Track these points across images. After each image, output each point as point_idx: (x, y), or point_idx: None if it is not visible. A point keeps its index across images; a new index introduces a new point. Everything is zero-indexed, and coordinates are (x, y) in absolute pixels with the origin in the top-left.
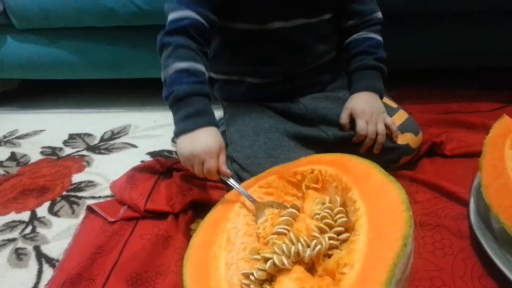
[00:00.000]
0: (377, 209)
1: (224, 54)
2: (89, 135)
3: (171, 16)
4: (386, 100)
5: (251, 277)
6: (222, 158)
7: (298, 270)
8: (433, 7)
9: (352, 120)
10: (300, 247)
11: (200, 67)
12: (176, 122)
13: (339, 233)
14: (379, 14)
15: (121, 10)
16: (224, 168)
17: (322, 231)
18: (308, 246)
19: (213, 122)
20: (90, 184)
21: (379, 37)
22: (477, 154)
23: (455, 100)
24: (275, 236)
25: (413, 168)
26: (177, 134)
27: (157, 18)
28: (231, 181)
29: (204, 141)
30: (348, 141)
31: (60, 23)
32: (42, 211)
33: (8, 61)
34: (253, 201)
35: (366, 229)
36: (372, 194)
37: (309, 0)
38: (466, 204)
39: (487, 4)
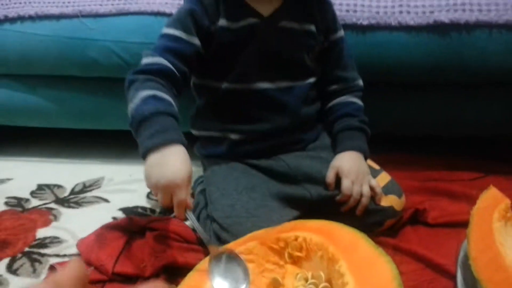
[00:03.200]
0: (367, 285)
1: (207, 111)
2: (59, 186)
3: (144, 60)
4: (369, 162)
5: None
6: (189, 188)
7: None
8: (411, 77)
9: (337, 179)
10: None
11: (167, 96)
12: (141, 143)
13: None
14: (360, 82)
15: (105, 61)
16: (189, 200)
17: None
18: None
19: (181, 140)
20: (55, 240)
21: (361, 103)
22: (459, 224)
23: (435, 167)
24: None
25: (396, 235)
26: (144, 154)
27: None
28: (190, 215)
29: (173, 167)
30: (332, 201)
31: (41, 71)
32: (0, 268)
33: None
34: (208, 243)
35: None
36: (361, 267)
37: (295, 65)
38: (452, 277)
39: (465, 77)
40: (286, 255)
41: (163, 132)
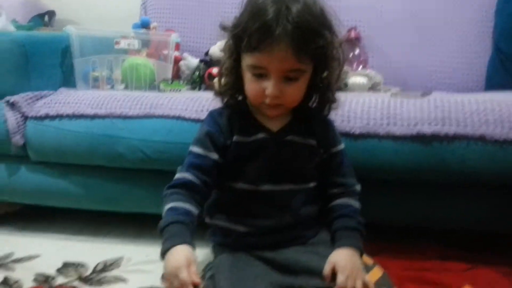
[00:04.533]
0: None
1: (221, 204)
2: (82, 265)
3: (176, 176)
4: (363, 257)
5: None
6: (193, 268)
7: None
8: (398, 178)
9: (333, 273)
10: None
11: (183, 204)
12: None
13: None
14: (358, 187)
15: (130, 155)
16: (194, 277)
17: None
18: None
19: (185, 241)
20: None
21: (357, 205)
22: None
23: (428, 257)
24: None
25: None
26: (161, 257)
27: (160, 164)
28: None
29: (172, 258)
30: None
31: (73, 160)
32: None
33: (19, 188)
34: None
35: None
36: None
37: (298, 172)
38: None
39: (446, 180)
40: None
41: (170, 238)
